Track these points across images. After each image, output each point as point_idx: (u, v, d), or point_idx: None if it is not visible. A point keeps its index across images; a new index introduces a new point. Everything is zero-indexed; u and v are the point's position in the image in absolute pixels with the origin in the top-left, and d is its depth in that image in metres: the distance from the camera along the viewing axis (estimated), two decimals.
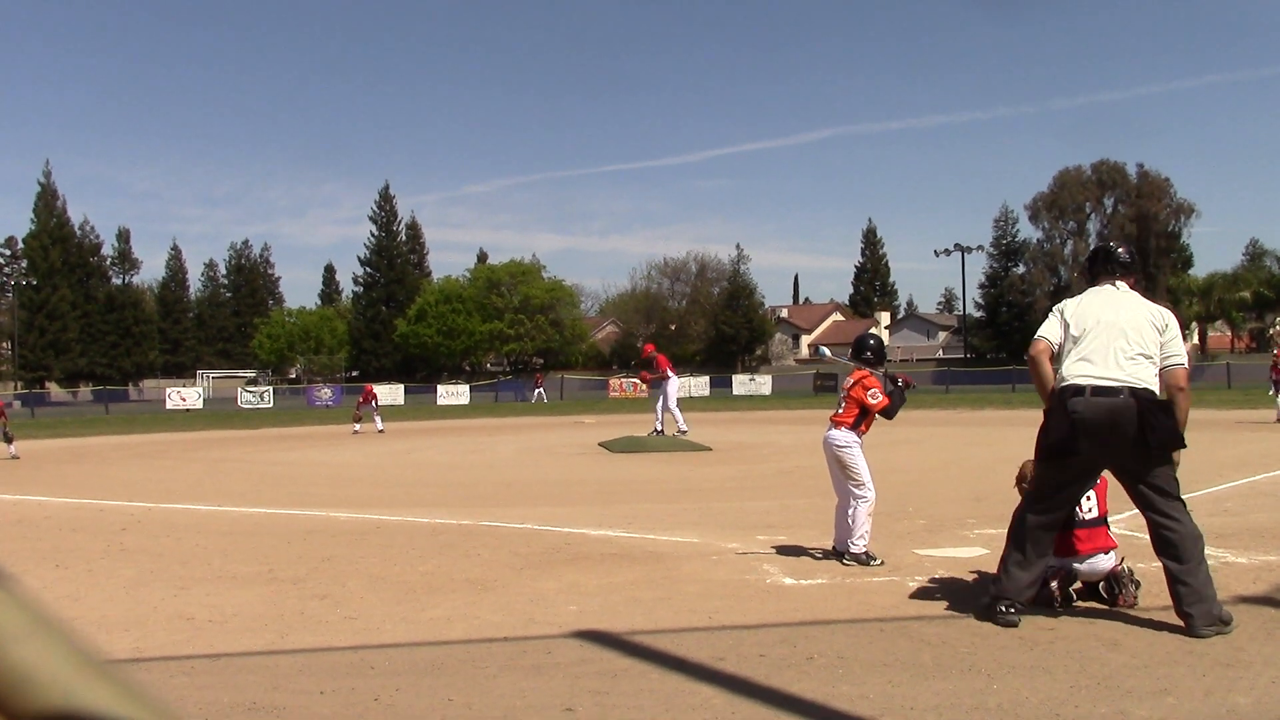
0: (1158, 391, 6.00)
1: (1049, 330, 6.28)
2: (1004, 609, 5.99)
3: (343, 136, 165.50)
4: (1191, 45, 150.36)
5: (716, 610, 6.52)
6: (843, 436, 8.31)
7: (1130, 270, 6.57)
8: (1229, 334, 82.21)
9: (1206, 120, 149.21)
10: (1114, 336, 6.08)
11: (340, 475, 17.40)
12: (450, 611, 6.66)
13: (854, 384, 8.45)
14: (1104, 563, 6.41)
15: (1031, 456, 6.48)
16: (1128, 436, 5.87)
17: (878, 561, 7.92)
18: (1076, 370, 6.04)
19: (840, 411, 8.47)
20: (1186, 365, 6.19)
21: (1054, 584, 6.36)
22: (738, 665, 5.24)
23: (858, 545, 8.00)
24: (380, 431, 30.06)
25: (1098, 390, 5.94)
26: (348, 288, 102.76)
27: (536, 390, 59.51)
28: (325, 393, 62.83)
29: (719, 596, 6.90)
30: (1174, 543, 5.87)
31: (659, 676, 5.14)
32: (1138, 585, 6.38)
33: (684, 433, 20.80)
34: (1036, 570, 6.12)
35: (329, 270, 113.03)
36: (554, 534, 9.72)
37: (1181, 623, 5.72)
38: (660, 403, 21.19)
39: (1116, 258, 6.54)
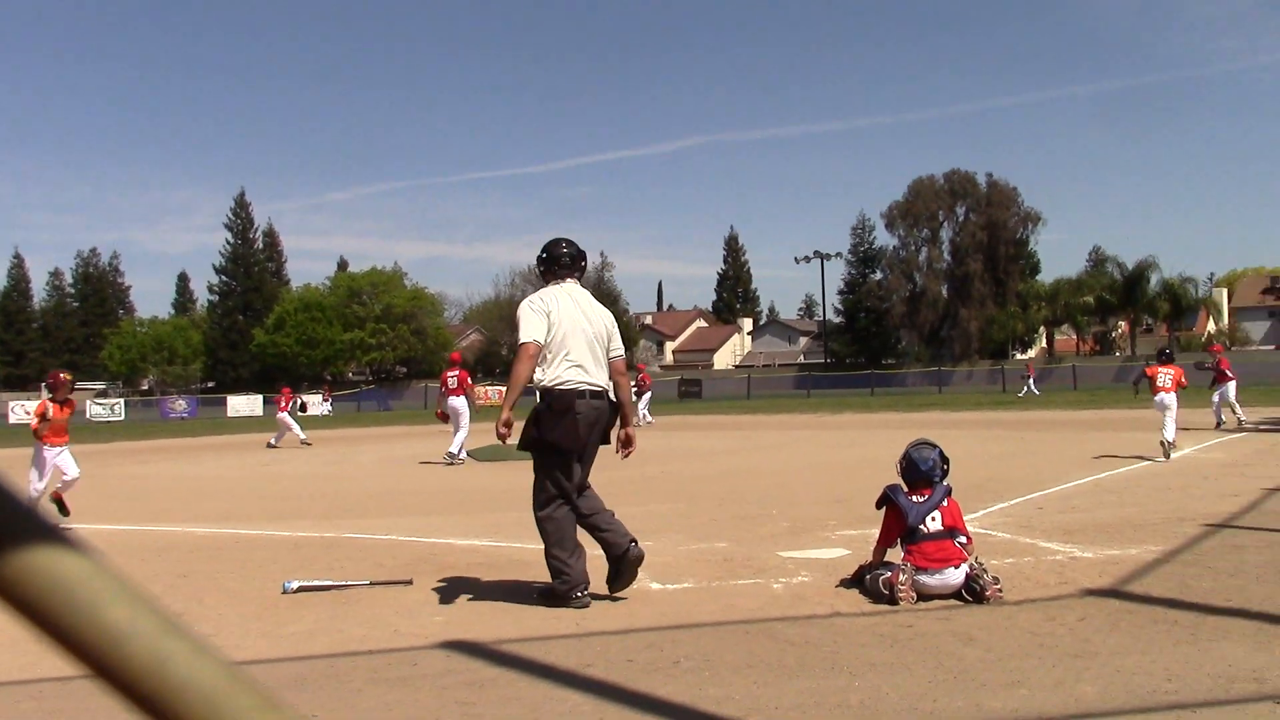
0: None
1: (538, 331, 6.80)
2: (579, 595, 6.68)
3: (199, 142, 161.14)
4: (1038, 61, 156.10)
5: (585, 617, 6.52)
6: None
7: (578, 271, 7.31)
8: (1074, 337, 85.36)
9: (1051, 132, 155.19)
10: (593, 341, 6.91)
11: (196, 489, 16.91)
12: (313, 625, 6.53)
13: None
14: (954, 576, 6.57)
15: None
16: (602, 432, 6.96)
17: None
18: (573, 375, 6.78)
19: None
20: (624, 356, 7.27)
21: (899, 578, 6.52)
22: (605, 670, 5.25)
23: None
24: (271, 445, 27.82)
25: (594, 394, 6.85)
26: (203, 296, 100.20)
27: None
28: (180, 404, 61.14)
29: None
30: (599, 506, 6.98)
31: (526, 685, 5.13)
32: (996, 579, 6.58)
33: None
34: (582, 555, 6.83)
35: (183, 279, 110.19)
36: (419, 545, 9.60)
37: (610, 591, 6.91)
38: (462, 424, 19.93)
39: (562, 261, 7.22)
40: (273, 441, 28.05)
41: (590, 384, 6.84)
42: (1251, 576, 6.99)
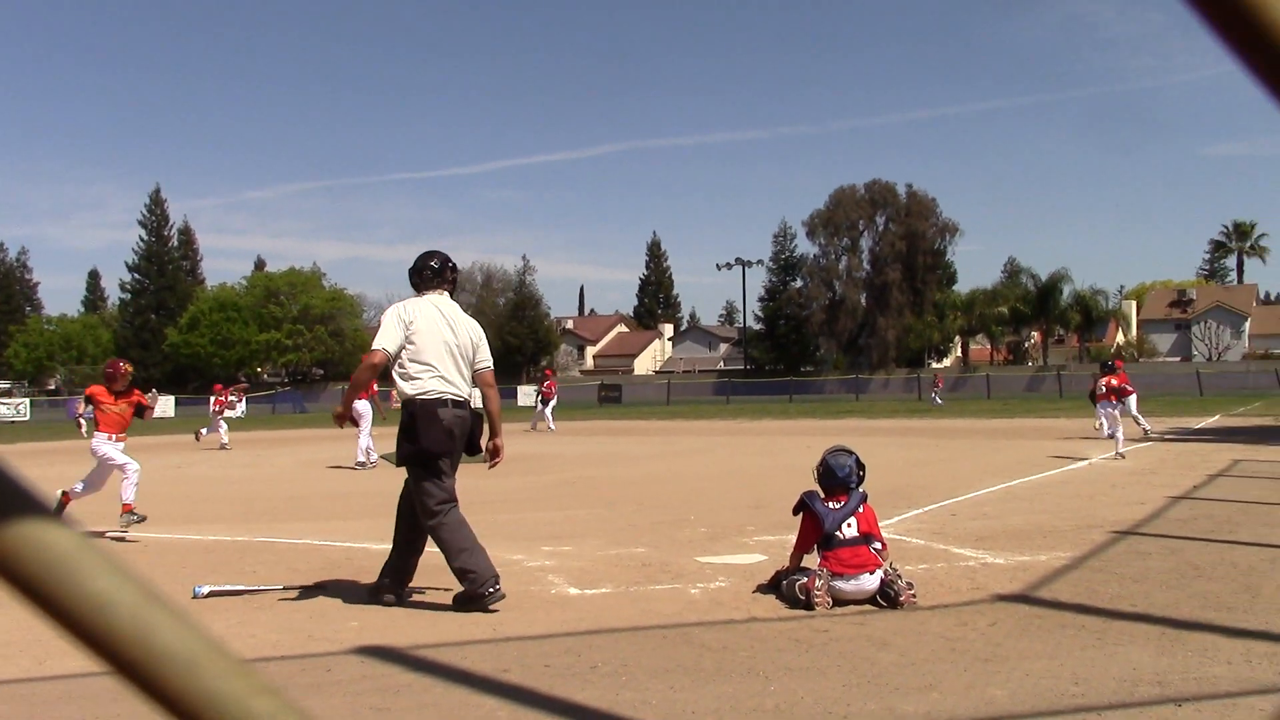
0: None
1: (391, 342, 7.05)
2: (491, 590, 6.71)
3: (113, 136, 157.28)
4: (959, 75, 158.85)
5: (501, 622, 6.49)
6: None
7: (446, 283, 7.45)
8: (988, 347, 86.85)
9: (970, 145, 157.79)
10: (456, 352, 7.09)
11: (105, 491, 16.50)
12: (224, 631, 6.42)
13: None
14: (869, 582, 6.65)
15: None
16: (465, 441, 7.10)
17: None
18: (435, 385, 6.97)
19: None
20: (491, 368, 7.44)
21: (815, 583, 6.59)
22: (522, 676, 5.23)
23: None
24: (198, 436, 27.94)
25: (456, 403, 7.02)
26: (114, 295, 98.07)
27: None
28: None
29: (504, 608, 6.86)
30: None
31: (442, 690, 5.09)
32: (910, 584, 6.67)
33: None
34: (483, 552, 6.88)
35: (93, 276, 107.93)
36: (334, 549, 9.50)
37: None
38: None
39: (425, 275, 7.40)
40: (202, 433, 27.90)
41: (453, 393, 7.02)
42: (1156, 583, 7.17)
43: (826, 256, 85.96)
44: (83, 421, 11.53)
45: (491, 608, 6.72)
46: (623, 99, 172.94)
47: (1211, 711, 4.49)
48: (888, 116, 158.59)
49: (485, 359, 7.37)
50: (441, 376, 6.99)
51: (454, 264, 7.55)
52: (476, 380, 7.33)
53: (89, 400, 11.24)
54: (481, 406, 7.37)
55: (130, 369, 11.48)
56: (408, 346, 7.01)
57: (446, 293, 7.39)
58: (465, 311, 7.41)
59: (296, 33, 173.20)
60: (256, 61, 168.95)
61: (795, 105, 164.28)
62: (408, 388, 6.99)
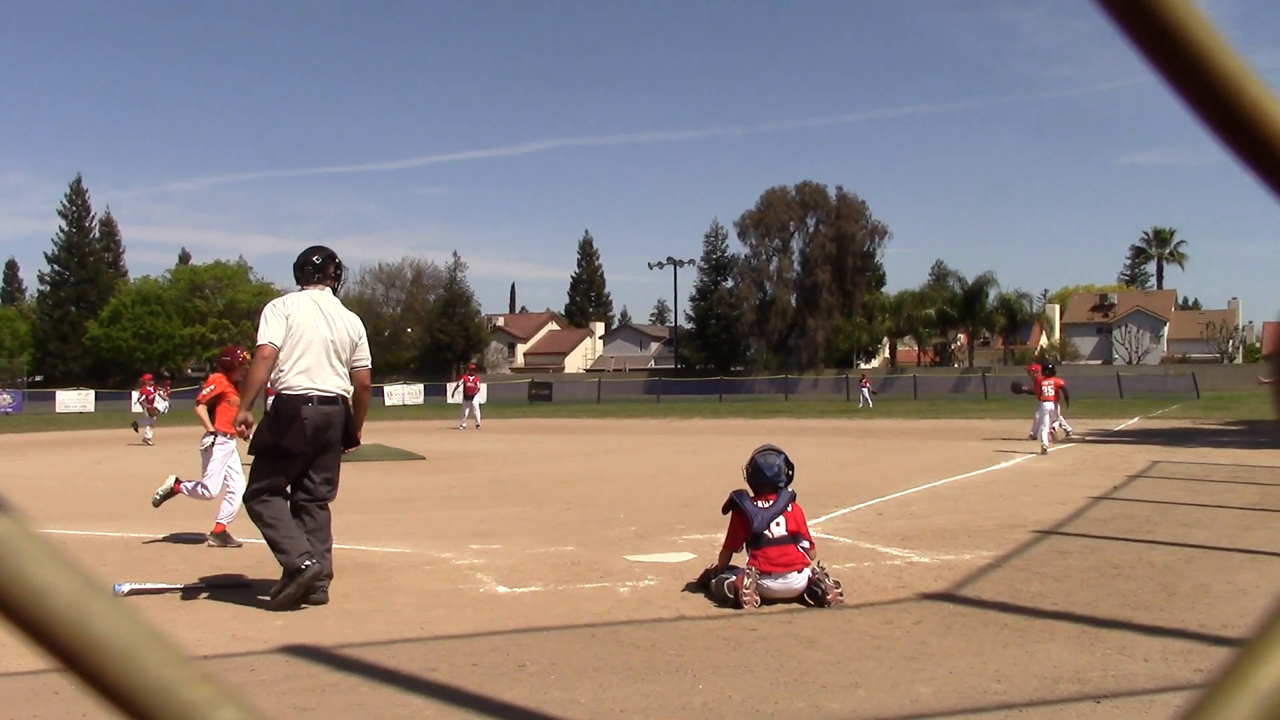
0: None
1: (275, 335, 6.98)
2: (308, 563, 6.69)
3: (32, 122, 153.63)
4: (887, 80, 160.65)
5: (429, 621, 6.45)
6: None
7: (328, 279, 7.45)
8: (916, 348, 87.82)
9: (898, 148, 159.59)
10: (331, 351, 7.08)
11: (21, 487, 16.16)
12: None
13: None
14: (797, 581, 6.71)
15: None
16: (335, 437, 7.10)
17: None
18: (302, 382, 6.94)
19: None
20: (370, 367, 7.46)
21: (744, 582, 6.63)
22: (450, 675, 5.20)
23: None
24: (147, 440, 26.58)
25: (323, 400, 6.99)
26: (33, 286, 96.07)
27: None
28: (4, 398, 58.53)
29: (432, 607, 6.83)
30: (323, 524, 7.06)
31: (369, 689, 5.05)
32: (837, 583, 6.73)
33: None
34: (298, 531, 6.91)
35: (11, 267, 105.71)
36: (258, 546, 9.33)
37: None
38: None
39: (306, 270, 7.39)
40: (139, 425, 27.63)
41: (319, 390, 6.98)
42: (1076, 581, 7.30)
43: (757, 257, 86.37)
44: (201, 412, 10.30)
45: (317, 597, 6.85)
46: (556, 96, 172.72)
47: (1129, 708, 4.58)
48: (819, 119, 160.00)
49: (363, 357, 7.35)
50: (307, 372, 6.95)
51: (339, 261, 7.55)
52: (352, 378, 7.29)
53: (209, 403, 10.21)
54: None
55: (249, 356, 10.41)
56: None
57: (329, 289, 7.37)
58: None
59: (223, 22, 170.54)
60: (181, 50, 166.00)
61: (727, 106, 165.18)
62: (277, 382, 6.99)
